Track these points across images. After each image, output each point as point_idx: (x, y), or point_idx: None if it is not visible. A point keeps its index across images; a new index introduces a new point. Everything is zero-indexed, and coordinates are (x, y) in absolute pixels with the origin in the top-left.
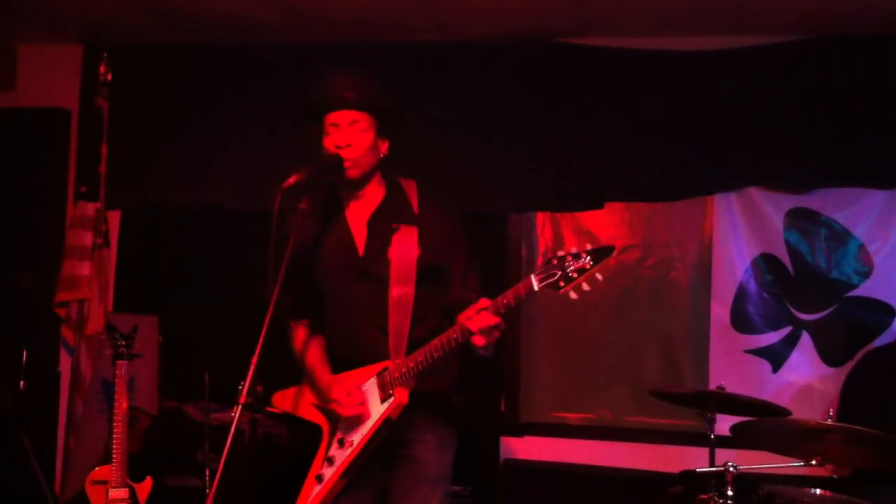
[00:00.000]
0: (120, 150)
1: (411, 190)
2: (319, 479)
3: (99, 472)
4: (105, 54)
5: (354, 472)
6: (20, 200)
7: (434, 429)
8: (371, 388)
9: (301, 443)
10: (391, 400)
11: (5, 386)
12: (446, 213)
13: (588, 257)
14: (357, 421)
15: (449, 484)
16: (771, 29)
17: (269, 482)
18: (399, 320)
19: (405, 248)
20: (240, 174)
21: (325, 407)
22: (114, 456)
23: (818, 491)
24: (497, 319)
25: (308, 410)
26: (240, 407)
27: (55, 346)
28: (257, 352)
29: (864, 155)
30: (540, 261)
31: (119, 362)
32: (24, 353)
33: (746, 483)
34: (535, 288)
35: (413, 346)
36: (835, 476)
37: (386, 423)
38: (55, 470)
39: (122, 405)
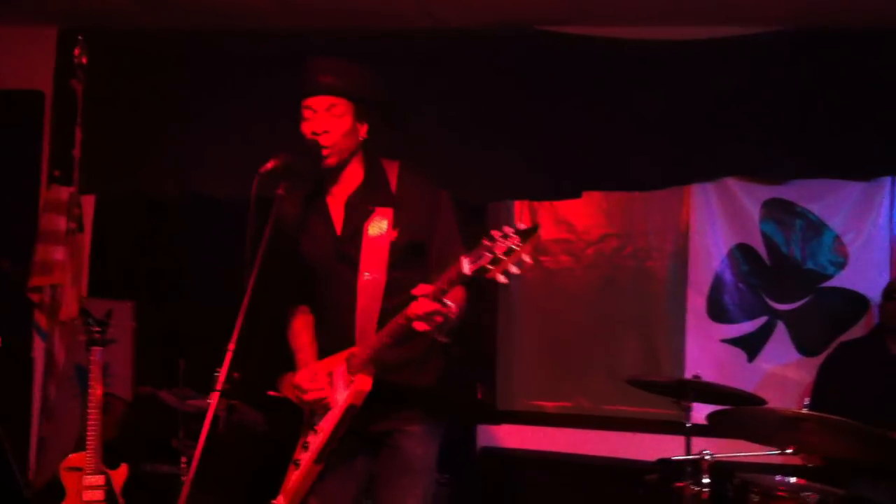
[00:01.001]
0: (97, 135)
1: (392, 170)
2: (296, 463)
3: (73, 458)
4: (80, 37)
5: (326, 457)
6: None
7: (420, 421)
8: (340, 374)
9: (277, 430)
10: (352, 386)
11: None
12: (427, 190)
13: (516, 237)
14: (324, 407)
15: (433, 475)
16: (762, 20)
17: (245, 469)
18: (368, 304)
19: (378, 231)
20: (221, 162)
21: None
22: (88, 442)
23: (793, 479)
24: (435, 306)
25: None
26: (216, 393)
27: (28, 331)
28: (234, 338)
29: (851, 147)
30: None
31: (93, 348)
32: None
33: (722, 471)
34: (466, 271)
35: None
36: (809, 465)
37: (349, 410)
38: (29, 456)
39: (96, 391)
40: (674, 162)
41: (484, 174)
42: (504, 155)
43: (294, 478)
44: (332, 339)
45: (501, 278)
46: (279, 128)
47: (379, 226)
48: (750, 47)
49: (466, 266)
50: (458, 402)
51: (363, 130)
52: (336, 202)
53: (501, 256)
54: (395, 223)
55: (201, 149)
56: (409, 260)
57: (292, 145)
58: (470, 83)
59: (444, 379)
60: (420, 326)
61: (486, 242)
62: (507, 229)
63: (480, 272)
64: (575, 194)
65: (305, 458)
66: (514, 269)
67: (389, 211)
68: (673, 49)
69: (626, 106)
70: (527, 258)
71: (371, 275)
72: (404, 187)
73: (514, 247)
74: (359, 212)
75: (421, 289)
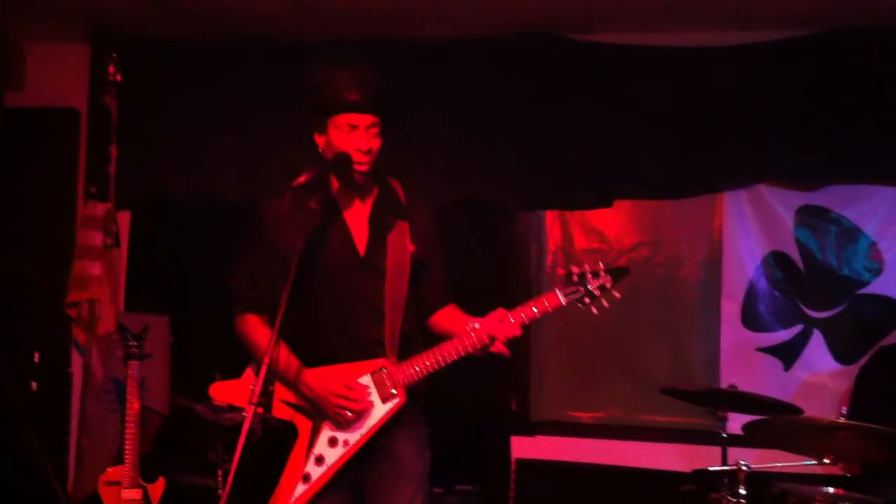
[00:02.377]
0: (128, 147)
1: (398, 188)
2: (306, 478)
3: (112, 472)
4: (114, 54)
5: (343, 472)
6: (30, 201)
7: (411, 428)
8: (368, 385)
9: None
10: (396, 401)
11: (16, 386)
12: (427, 207)
13: (608, 276)
14: (353, 419)
15: (427, 482)
16: (778, 23)
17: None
18: (394, 318)
19: (400, 243)
20: (248, 169)
21: (310, 403)
22: (126, 456)
23: (831, 489)
24: (521, 331)
25: (278, 407)
26: (252, 407)
27: (66, 346)
28: (269, 351)
29: (870, 150)
30: (549, 259)
31: (130, 362)
32: (36, 354)
33: (759, 481)
34: (563, 302)
35: (402, 343)
36: (847, 474)
37: (388, 424)
38: (67, 470)
39: (133, 405)
40: (697, 168)
41: (511, 183)
42: (533, 163)
43: (305, 492)
44: (349, 352)
45: (594, 310)
46: (301, 136)
47: (400, 239)
48: (766, 51)
49: (562, 298)
50: (482, 407)
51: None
52: (354, 217)
53: (596, 293)
54: (412, 237)
55: (224, 155)
56: (416, 274)
57: (315, 154)
58: (492, 91)
59: (433, 384)
60: (503, 349)
61: (577, 278)
62: (600, 267)
63: (574, 304)
64: (606, 203)
65: (323, 471)
66: (605, 304)
67: (405, 225)
68: (690, 55)
69: (643, 113)
70: (617, 294)
71: (396, 289)
72: (411, 203)
73: (607, 285)
74: (382, 226)
75: (501, 313)
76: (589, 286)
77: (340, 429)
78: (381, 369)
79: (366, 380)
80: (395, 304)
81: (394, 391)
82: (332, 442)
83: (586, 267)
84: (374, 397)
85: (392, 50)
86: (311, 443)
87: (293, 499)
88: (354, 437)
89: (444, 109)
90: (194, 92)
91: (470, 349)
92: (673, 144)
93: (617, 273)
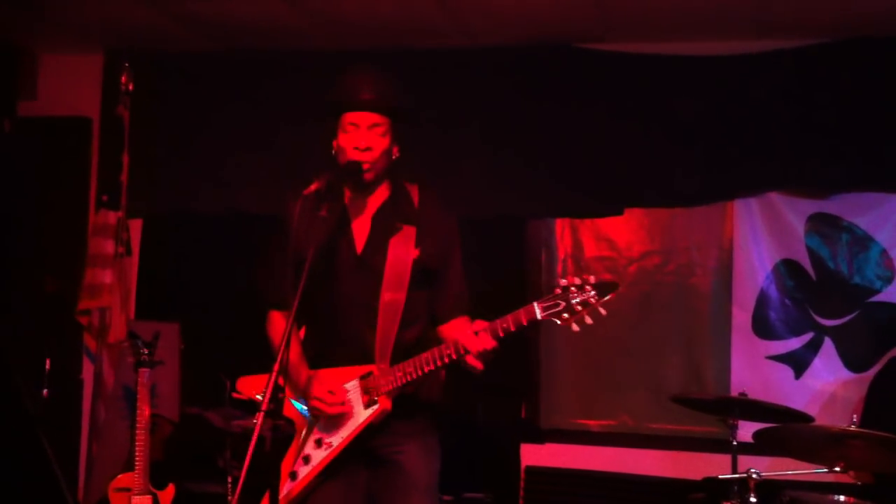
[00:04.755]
0: (140, 156)
1: (414, 192)
2: (293, 476)
3: (122, 479)
4: (126, 63)
5: (330, 472)
6: (42, 209)
7: (419, 437)
8: (354, 390)
9: None
10: (375, 407)
11: (28, 393)
12: (446, 216)
13: (593, 291)
14: (338, 422)
15: (436, 493)
16: (798, 32)
17: None
18: (388, 324)
19: (403, 249)
20: (262, 181)
21: (302, 402)
22: (136, 463)
23: (842, 497)
24: (495, 343)
25: (285, 406)
26: (262, 414)
27: (78, 353)
28: (279, 357)
29: (893, 159)
30: (559, 268)
31: (141, 369)
32: (48, 361)
33: (769, 489)
34: (539, 317)
35: (399, 349)
36: (858, 482)
37: (368, 429)
38: (78, 477)
39: (144, 412)
40: (714, 177)
41: (524, 191)
42: (546, 171)
43: (292, 489)
44: (343, 354)
45: (575, 327)
46: (316, 146)
47: (403, 244)
48: (785, 60)
49: (539, 312)
50: (492, 415)
51: (395, 151)
52: (358, 218)
53: (577, 308)
54: (418, 242)
55: (240, 167)
56: (422, 281)
57: (328, 163)
58: (508, 101)
59: (449, 394)
60: (476, 363)
61: (560, 291)
62: (585, 281)
63: (555, 317)
64: (616, 211)
65: (308, 471)
66: (588, 321)
67: (413, 230)
68: (707, 65)
69: (663, 122)
70: (602, 311)
71: (392, 294)
72: (425, 209)
73: (590, 300)
74: (385, 228)
75: (479, 324)
76: (571, 300)
77: (326, 431)
78: (368, 374)
79: (353, 384)
80: (391, 309)
81: (375, 398)
82: (319, 443)
83: (575, 280)
84: (358, 402)
85: (411, 63)
86: (304, 442)
87: (282, 495)
88: (337, 439)
89: (473, 123)
90: (207, 103)
91: (446, 359)
92: (699, 153)
93: (603, 288)
